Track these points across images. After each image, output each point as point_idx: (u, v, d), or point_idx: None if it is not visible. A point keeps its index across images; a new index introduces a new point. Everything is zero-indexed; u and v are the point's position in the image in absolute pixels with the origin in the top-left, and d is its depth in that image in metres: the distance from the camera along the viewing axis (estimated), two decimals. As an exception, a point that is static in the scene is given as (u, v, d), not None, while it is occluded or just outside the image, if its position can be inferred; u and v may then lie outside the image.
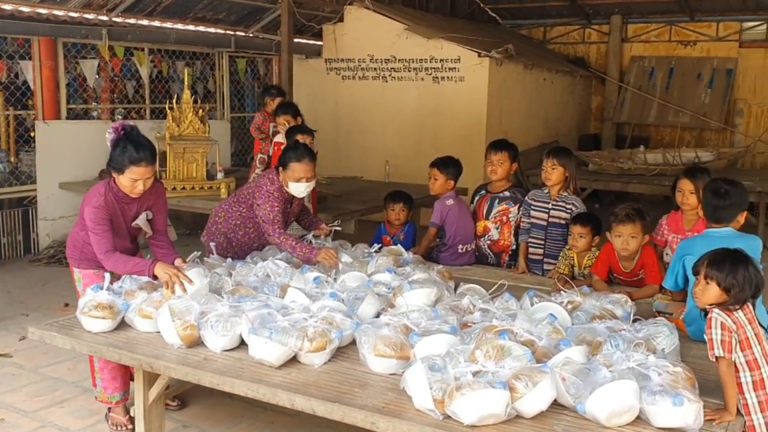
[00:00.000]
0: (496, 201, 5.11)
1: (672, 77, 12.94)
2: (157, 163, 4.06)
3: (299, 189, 4.53)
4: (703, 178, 4.32)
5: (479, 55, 9.61)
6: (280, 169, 4.54)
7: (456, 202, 5.12)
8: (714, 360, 2.79)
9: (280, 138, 6.28)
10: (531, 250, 4.93)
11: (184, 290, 3.63)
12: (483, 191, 5.25)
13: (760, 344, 2.85)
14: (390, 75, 10.14)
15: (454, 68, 9.72)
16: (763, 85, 12.49)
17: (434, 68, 9.83)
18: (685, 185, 4.39)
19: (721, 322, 2.79)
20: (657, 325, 3.18)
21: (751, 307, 2.90)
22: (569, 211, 4.79)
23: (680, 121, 12.60)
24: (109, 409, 4.15)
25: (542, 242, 4.88)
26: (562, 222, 4.80)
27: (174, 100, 7.14)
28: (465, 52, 9.67)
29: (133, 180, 3.82)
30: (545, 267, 4.86)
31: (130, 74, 9.44)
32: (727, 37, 12.62)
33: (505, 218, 5.08)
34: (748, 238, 3.56)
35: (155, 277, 3.78)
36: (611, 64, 13.26)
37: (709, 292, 2.90)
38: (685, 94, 12.73)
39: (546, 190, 4.90)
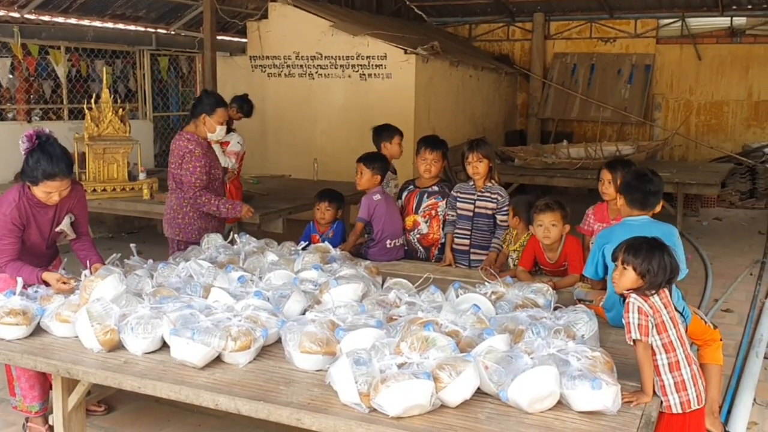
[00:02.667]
0: (425, 195, 5.16)
1: (593, 73, 13.30)
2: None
3: (222, 131, 5.08)
4: (622, 169, 4.46)
5: (405, 52, 9.65)
6: (203, 116, 4.95)
7: (383, 197, 5.14)
8: (631, 343, 2.88)
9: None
10: (458, 241, 4.98)
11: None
12: (411, 186, 5.29)
13: (675, 327, 2.95)
14: (317, 72, 10.08)
15: (381, 65, 9.73)
16: (679, 80, 12.97)
17: (361, 65, 9.82)
18: (605, 175, 4.55)
19: (638, 307, 2.87)
20: (577, 312, 3.25)
21: (667, 292, 3.00)
22: (495, 200, 4.87)
23: (602, 116, 12.95)
24: (27, 419, 4.00)
25: (469, 233, 4.94)
26: (489, 212, 4.88)
27: (93, 100, 6.94)
28: (391, 49, 9.70)
29: (47, 192, 3.73)
30: (472, 257, 4.92)
31: (46, 74, 9.11)
32: (644, 34, 13.05)
33: (434, 212, 5.12)
34: (664, 226, 3.67)
35: (46, 284, 3.75)
36: (535, 61, 13.53)
37: (625, 277, 2.98)
38: (606, 89, 13.09)
39: (471, 183, 4.97)
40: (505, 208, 4.86)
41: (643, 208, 3.71)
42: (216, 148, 5.89)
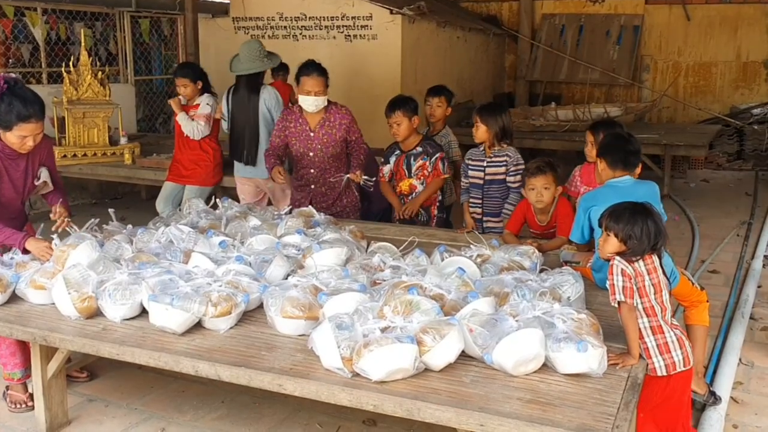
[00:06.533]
0: (412, 158, 5.04)
1: (582, 34, 13.15)
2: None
3: (308, 102, 4.89)
4: (604, 130, 4.40)
5: (391, 12, 9.47)
6: (295, 84, 5.02)
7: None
8: (616, 305, 2.85)
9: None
10: (471, 210, 4.89)
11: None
12: (397, 151, 5.16)
13: (657, 293, 2.91)
14: (301, 33, 9.90)
15: (366, 26, 9.56)
16: (668, 41, 12.85)
17: (346, 26, 9.65)
18: (588, 137, 4.48)
19: (622, 269, 2.84)
20: (563, 275, 3.22)
21: (654, 257, 2.94)
22: (504, 163, 4.74)
23: (590, 78, 12.84)
24: (8, 387, 3.94)
25: (480, 201, 4.84)
26: (501, 177, 4.76)
27: (71, 63, 6.79)
28: (376, 9, 9.52)
29: (22, 137, 3.64)
30: (485, 225, 4.82)
31: (23, 36, 8.89)
32: (633, -6, 12.90)
33: (426, 172, 5.02)
34: (648, 185, 3.64)
35: (26, 251, 3.65)
36: (523, 22, 13.34)
37: (609, 243, 2.95)
38: (594, 51, 12.96)
39: (481, 148, 4.85)
40: (514, 169, 4.70)
41: (626, 167, 3.65)
42: (183, 116, 5.84)
